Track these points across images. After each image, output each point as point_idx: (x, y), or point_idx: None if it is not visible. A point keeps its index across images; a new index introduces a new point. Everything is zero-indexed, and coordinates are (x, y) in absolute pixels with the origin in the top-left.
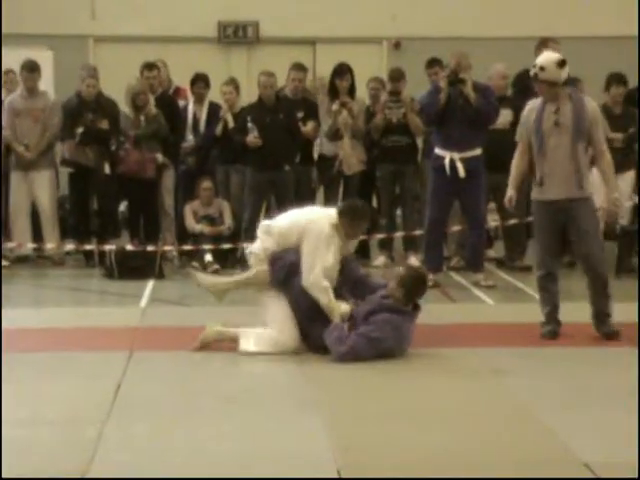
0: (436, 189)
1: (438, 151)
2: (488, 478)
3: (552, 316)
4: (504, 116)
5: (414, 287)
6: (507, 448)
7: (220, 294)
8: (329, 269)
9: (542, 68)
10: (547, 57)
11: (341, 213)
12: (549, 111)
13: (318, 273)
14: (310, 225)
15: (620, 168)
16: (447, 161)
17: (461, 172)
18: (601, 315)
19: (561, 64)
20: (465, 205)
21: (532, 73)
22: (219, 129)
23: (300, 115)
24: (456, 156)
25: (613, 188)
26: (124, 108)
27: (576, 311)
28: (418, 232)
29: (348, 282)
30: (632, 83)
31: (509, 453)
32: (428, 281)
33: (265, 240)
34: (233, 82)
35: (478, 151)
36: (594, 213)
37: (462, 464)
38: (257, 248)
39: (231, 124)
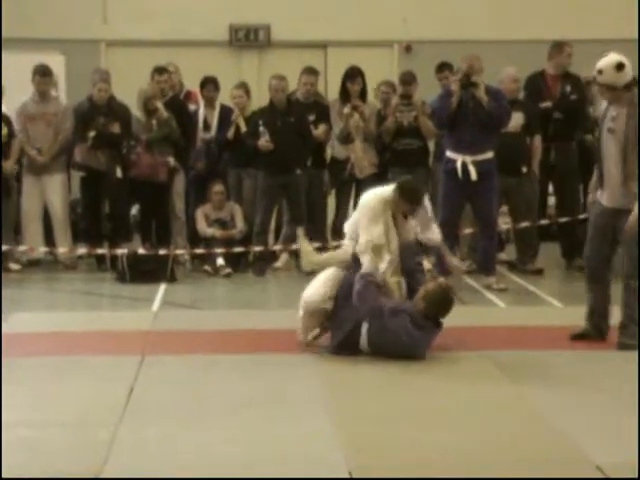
0: (448, 192)
1: (450, 154)
2: (500, 478)
3: (589, 316)
4: (515, 119)
5: (437, 304)
6: (519, 450)
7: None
8: (376, 243)
9: (600, 71)
10: (606, 60)
11: (395, 190)
12: (609, 116)
13: (362, 243)
14: (361, 202)
15: None
16: (459, 164)
17: (473, 175)
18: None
19: (619, 67)
20: (477, 208)
21: (592, 76)
22: (231, 133)
23: (312, 118)
24: (468, 159)
25: None
26: (136, 112)
27: None
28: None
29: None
30: None
31: (521, 454)
32: (454, 299)
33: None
34: (244, 86)
35: (490, 154)
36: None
37: (473, 465)
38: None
39: (243, 128)
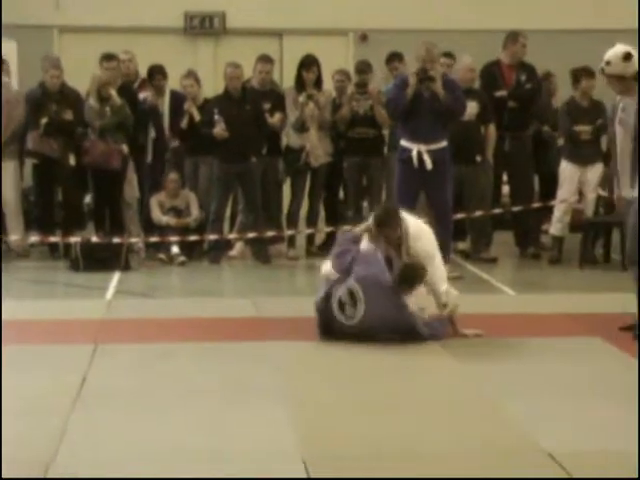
0: (403, 181)
1: (405, 143)
2: (451, 466)
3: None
4: (470, 108)
5: (407, 275)
6: (472, 438)
7: None
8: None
9: (608, 62)
10: (613, 50)
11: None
12: (620, 107)
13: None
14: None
15: (588, 160)
16: (414, 153)
17: (428, 164)
18: None
19: (627, 57)
20: (432, 197)
21: (600, 67)
22: (184, 122)
23: (267, 107)
24: (423, 148)
25: None
26: (89, 99)
27: (546, 302)
28: None
29: None
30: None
31: (474, 443)
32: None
33: None
34: (193, 74)
35: (444, 143)
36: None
37: (426, 453)
38: None
39: (197, 117)
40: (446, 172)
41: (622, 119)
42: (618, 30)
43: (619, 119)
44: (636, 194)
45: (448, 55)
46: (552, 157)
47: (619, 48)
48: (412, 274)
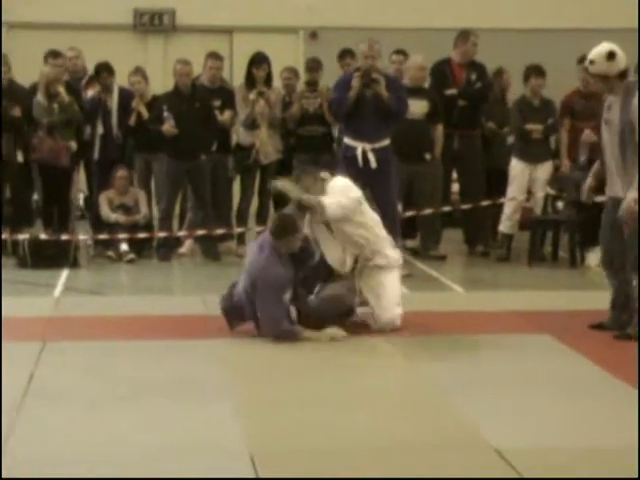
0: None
1: (349, 141)
2: (398, 461)
3: (613, 304)
4: (420, 107)
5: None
6: (420, 434)
7: None
8: None
9: (592, 62)
10: (597, 50)
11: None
12: (605, 107)
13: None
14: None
15: (539, 158)
16: (359, 152)
17: (373, 163)
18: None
19: (610, 56)
20: (377, 195)
21: (584, 67)
22: (132, 120)
23: (217, 104)
24: (367, 147)
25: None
26: (37, 95)
27: (495, 300)
28: None
29: None
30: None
31: (420, 438)
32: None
33: None
34: (140, 71)
35: (387, 141)
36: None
37: (374, 449)
38: None
39: (145, 114)
40: (390, 170)
41: (607, 119)
42: (576, 29)
43: (604, 119)
44: (630, 194)
45: (400, 52)
46: (497, 154)
47: (603, 47)
48: (282, 224)
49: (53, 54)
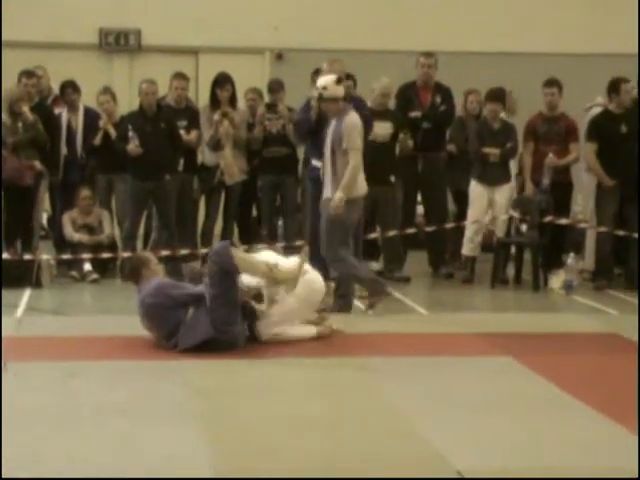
0: (314, 200)
1: (315, 162)
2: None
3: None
4: (385, 129)
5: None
6: (380, 454)
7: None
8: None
9: (325, 87)
10: (326, 77)
11: None
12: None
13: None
14: None
15: (497, 181)
16: (323, 173)
17: None
18: None
19: (339, 81)
20: None
21: (317, 93)
22: (98, 139)
23: (183, 124)
24: None
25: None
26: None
27: (458, 322)
28: (299, 242)
29: None
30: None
31: (382, 459)
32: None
33: None
34: (109, 91)
35: None
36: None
37: (339, 469)
38: None
39: (113, 134)
40: None
41: (329, 136)
42: (544, 54)
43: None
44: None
45: (349, 77)
46: (459, 175)
47: (331, 74)
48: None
49: (27, 74)
